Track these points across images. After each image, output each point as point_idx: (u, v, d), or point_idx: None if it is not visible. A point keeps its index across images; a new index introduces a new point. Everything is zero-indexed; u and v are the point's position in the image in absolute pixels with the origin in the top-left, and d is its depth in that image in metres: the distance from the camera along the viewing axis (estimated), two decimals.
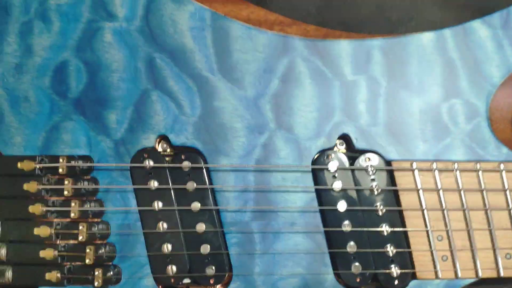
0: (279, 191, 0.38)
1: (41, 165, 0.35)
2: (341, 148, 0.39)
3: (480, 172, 0.37)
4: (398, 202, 0.38)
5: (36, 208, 0.35)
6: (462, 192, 0.37)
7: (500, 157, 0.38)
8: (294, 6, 0.47)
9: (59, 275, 0.36)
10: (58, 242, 0.36)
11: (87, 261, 0.35)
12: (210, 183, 0.37)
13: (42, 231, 0.36)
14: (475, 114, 0.39)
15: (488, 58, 0.39)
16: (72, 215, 0.36)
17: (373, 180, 0.38)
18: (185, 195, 0.37)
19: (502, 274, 0.37)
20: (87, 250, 0.35)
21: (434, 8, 0.48)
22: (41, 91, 0.37)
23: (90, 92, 0.37)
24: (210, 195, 0.37)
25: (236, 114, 0.38)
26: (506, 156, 0.38)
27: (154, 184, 0.36)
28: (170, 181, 0.37)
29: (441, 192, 0.37)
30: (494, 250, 0.37)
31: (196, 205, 0.37)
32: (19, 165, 0.36)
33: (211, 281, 0.37)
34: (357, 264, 0.37)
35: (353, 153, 0.38)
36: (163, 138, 0.38)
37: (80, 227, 0.35)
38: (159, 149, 0.38)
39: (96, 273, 0.36)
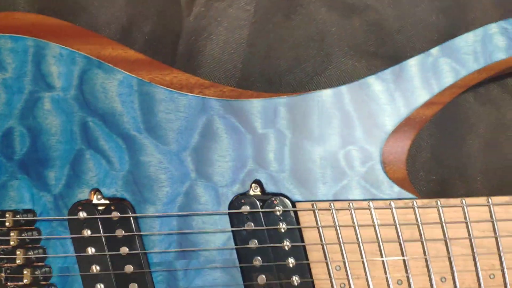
0: (200, 232, 0.44)
1: None
2: (256, 191, 0.45)
3: (372, 210, 0.44)
4: (302, 238, 0.44)
5: None
6: (357, 227, 0.44)
7: (392, 195, 0.45)
8: (222, 61, 0.54)
9: None
10: (8, 284, 0.43)
11: None
12: (138, 229, 0.44)
13: None
14: (369, 159, 0.45)
15: (381, 109, 0.45)
16: (18, 261, 0.42)
17: (280, 219, 0.44)
18: (115, 241, 0.43)
19: None
20: None
21: (346, 58, 0.54)
22: None
23: (33, 154, 0.44)
24: (137, 240, 0.43)
25: (161, 166, 0.44)
26: (398, 194, 0.45)
27: (87, 232, 0.43)
28: (102, 229, 0.43)
29: (338, 228, 0.44)
30: (387, 278, 0.43)
31: (124, 249, 0.43)
32: None
33: None
34: None
35: (264, 195, 0.45)
36: (97, 190, 0.44)
37: (25, 272, 0.42)
38: (94, 200, 0.44)
39: None
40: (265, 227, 0.44)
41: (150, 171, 0.44)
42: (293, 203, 0.44)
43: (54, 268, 0.44)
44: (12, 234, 0.42)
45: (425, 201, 0.45)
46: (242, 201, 0.44)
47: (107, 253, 0.43)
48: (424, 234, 0.44)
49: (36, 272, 0.42)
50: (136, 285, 0.43)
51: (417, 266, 0.44)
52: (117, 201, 0.44)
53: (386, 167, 0.45)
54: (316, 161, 0.45)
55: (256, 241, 0.44)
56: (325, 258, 0.43)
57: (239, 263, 0.44)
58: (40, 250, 0.43)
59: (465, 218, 0.44)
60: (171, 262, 0.44)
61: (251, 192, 0.45)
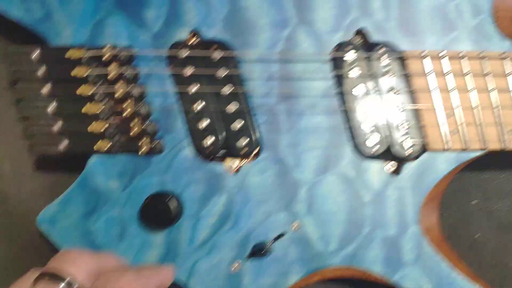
0: (302, 78, 0.42)
1: (88, 52, 0.41)
2: (360, 40, 0.43)
3: (484, 59, 0.42)
4: (410, 86, 0.42)
5: (85, 90, 0.41)
6: (467, 76, 0.42)
7: (503, 49, 0.42)
8: None
9: (109, 145, 0.41)
10: (108, 116, 0.41)
11: (132, 132, 0.41)
12: (240, 71, 0.42)
13: (92, 107, 0.41)
14: (479, 12, 0.42)
15: None
16: (118, 93, 0.41)
17: (387, 66, 0.42)
18: (218, 80, 0.42)
19: (507, 146, 0.41)
20: (133, 124, 0.41)
21: None
22: None
23: None
24: (239, 81, 0.42)
25: (262, 10, 0.42)
26: (509, 47, 0.42)
27: (189, 71, 0.41)
28: (203, 68, 0.42)
29: (449, 75, 0.42)
30: (500, 125, 0.41)
31: (226, 89, 0.42)
32: (67, 54, 0.41)
33: (243, 152, 0.42)
34: (373, 137, 0.42)
35: (369, 45, 0.43)
36: (196, 32, 0.42)
37: (127, 103, 0.40)
38: (193, 41, 0.42)
39: (141, 143, 0.41)
40: (370, 72, 0.42)
41: (251, 14, 0.42)
42: (400, 53, 0.42)
43: (155, 106, 0.42)
44: (110, 68, 0.40)
45: None
46: (346, 48, 0.42)
47: (209, 90, 0.42)
48: None
49: (138, 107, 0.41)
50: (241, 122, 0.42)
51: None
52: (218, 42, 0.42)
53: (497, 21, 0.43)
54: (425, 11, 0.42)
55: (361, 86, 0.42)
56: (434, 105, 0.42)
57: (343, 108, 0.42)
58: (139, 87, 0.42)
59: None
60: (273, 106, 0.42)
61: (355, 40, 0.43)
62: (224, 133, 0.43)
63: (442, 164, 0.42)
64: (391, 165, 0.43)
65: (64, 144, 0.42)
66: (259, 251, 0.42)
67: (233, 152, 0.43)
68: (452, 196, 0.48)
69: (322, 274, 0.43)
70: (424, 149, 0.42)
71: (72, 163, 0.47)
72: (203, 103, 0.42)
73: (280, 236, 0.42)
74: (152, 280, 0.38)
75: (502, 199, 0.49)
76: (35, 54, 0.41)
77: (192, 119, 0.42)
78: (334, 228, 0.42)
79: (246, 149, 0.42)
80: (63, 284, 0.33)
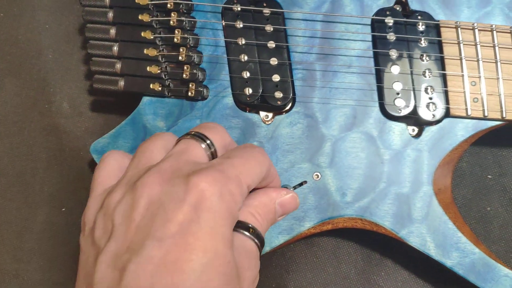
0: (341, 39, 0.45)
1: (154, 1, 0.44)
2: (398, 8, 0.44)
3: None
4: (441, 52, 0.44)
5: (147, 34, 0.44)
6: (496, 47, 0.43)
7: None
8: None
9: (161, 87, 0.44)
10: (162, 60, 0.44)
11: (184, 76, 0.43)
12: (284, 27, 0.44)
13: (150, 51, 0.44)
14: None
15: None
16: (175, 40, 0.43)
17: (422, 33, 0.44)
18: (264, 35, 0.45)
19: None
20: (185, 68, 0.43)
21: None
22: None
23: None
24: (283, 37, 0.44)
25: None
26: None
27: (240, 24, 0.44)
28: (253, 22, 0.44)
29: (478, 46, 0.43)
30: None
31: (272, 43, 0.44)
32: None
33: (279, 102, 0.45)
34: (400, 99, 0.44)
35: (408, 13, 0.44)
36: None
37: (181, 50, 0.43)
38: None
39: (189, 88, 0.44)
40: (406, 36, 0.44)
41: None
42: (436, 21, 0.44)
43: (204, 55, 0.45)
44: (172, 15, 0.43)
45: None
46: (387, 12, 0.44)
47: (255, 42, 0.44)
48: None
49: (191, 53, 0.44)
50: (279, 76, 0.44)
51: None
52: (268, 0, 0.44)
53: None
54: None
55: (395, 51, 0.44)
56: (462, 71, 0.43)
57: (377, 69, 0.44)
58: (194, 36, 0.45)
59: None
60: (312, 62, 0.45)
61: (396, 7, 0.44)
62: (262, 86, 0.45)
63: (461, 131, 0.44)
64: (413, 128, 0.45)
65: (122, 83, 0.45)
66: None
67: (269, 104, 0.45)
68: (469, 169, 0.50)
69: (334, 223, 0.45)
70: (446, 114, 0.44)
71: (121, 108, 0.51)
72: (248, 55, 0.44)
73: (301, 183, 0.45)
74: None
75: None
76: None
77: (235, 69, 0.45)
78: (351, 181, 0.44)
79: (281, 102, 0.45)
80: (205, 144, 0.36)
